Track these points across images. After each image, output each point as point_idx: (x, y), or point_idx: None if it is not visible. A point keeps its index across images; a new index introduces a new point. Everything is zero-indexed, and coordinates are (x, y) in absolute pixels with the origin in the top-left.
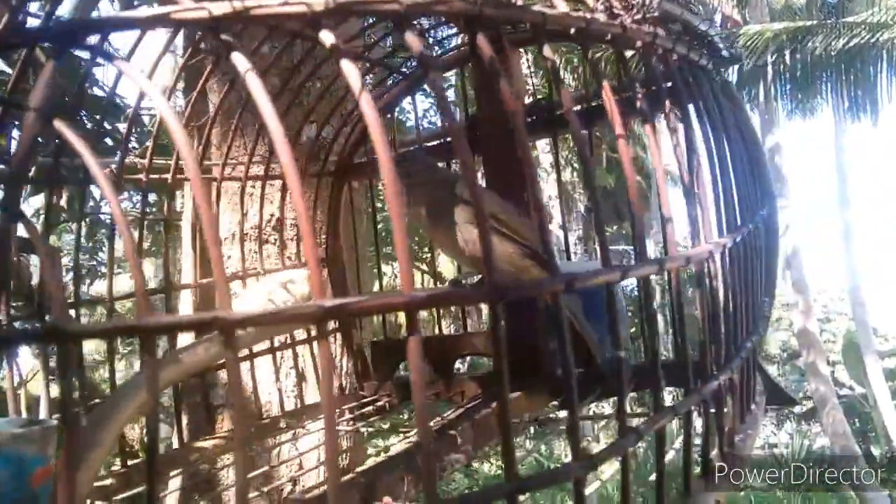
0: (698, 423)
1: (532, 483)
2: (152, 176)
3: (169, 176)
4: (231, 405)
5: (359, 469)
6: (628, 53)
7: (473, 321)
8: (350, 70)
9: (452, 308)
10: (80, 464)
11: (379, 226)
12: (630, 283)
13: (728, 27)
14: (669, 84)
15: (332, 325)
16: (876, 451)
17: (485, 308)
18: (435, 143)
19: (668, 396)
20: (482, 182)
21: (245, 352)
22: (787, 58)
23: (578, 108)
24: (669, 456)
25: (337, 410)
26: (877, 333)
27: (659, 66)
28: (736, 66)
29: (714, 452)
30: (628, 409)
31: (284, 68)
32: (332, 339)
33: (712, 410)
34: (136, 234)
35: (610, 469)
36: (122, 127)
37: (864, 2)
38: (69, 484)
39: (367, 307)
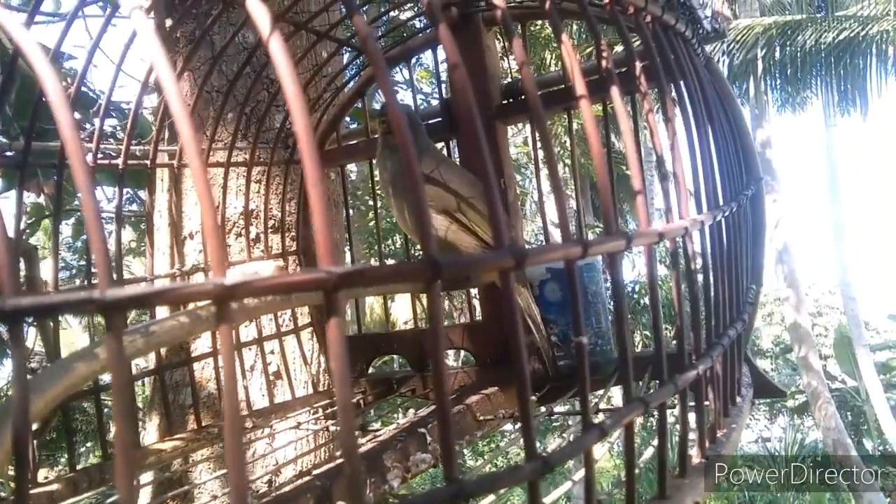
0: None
1: (477, 486)
2: (131, 162)
3: (148, 162)
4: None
5: (316, 471)
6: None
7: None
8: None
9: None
10: None
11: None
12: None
13: (718, 22)
14: (639, 44)
15: (304, 319)
16: (868, 445)
17: (467, 297)
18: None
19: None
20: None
21: (208, 348)
22: (778, 52)
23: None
24: (648, 454)
25: (309, 409)
26: (868, 327)
27: (626, 25)
28: (726, 61)
29: (694, 449)
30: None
31: (243, 49)
32: (309, 334)
33: (691, 403)
34: (113, 229)
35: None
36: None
37: None
38: None
39: (276, 285)
